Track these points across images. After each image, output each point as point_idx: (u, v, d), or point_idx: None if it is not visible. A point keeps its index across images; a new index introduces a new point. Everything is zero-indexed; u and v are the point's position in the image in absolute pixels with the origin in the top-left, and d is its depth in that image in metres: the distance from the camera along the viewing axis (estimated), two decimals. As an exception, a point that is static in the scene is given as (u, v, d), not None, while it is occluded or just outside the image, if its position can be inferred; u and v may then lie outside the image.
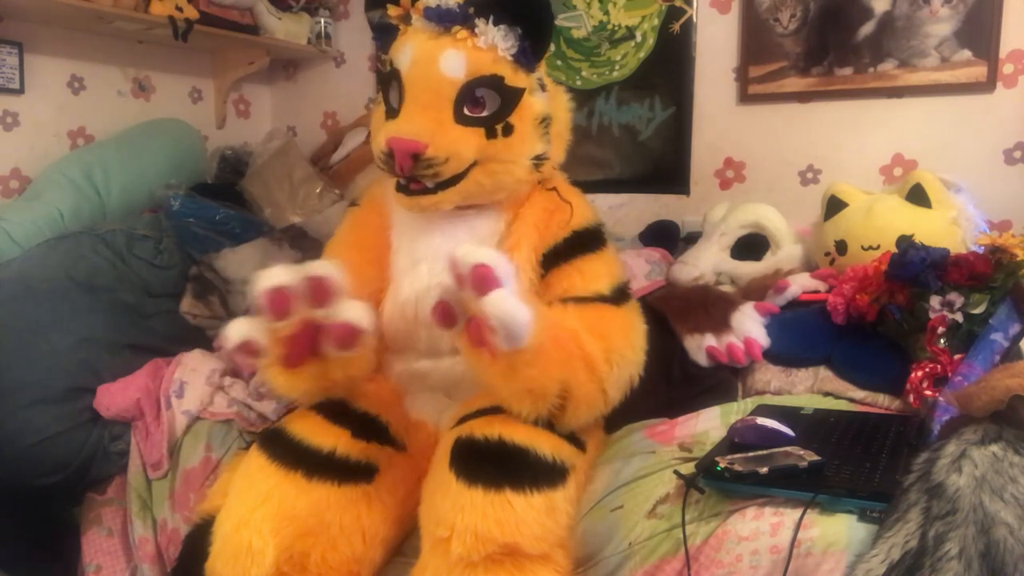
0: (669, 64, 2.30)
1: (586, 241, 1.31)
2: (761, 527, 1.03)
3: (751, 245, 1.89)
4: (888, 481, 1.03)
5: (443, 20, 1.21)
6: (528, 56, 1.24)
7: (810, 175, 2.19)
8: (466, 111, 1.22)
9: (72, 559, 1.65)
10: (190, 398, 1.63)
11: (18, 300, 1.64)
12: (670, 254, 2.07)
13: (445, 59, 1.20)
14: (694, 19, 2.27)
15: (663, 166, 2.34)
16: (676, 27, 2.28)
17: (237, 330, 1.08)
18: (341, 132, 2.61)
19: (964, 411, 1.06)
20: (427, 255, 1.29)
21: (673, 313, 1.60)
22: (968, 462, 0.94)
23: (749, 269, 1.86)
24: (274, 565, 1.10)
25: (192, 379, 1.66)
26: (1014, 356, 1.28)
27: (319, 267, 1.07)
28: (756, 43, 2.19)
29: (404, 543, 1.28)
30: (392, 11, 1.26)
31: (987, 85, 1.98)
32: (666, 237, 2.19)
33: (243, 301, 1.97)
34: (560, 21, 2.40)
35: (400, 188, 1.25)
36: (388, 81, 1.27)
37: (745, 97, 2.22)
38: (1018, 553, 0.85)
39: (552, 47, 1.34)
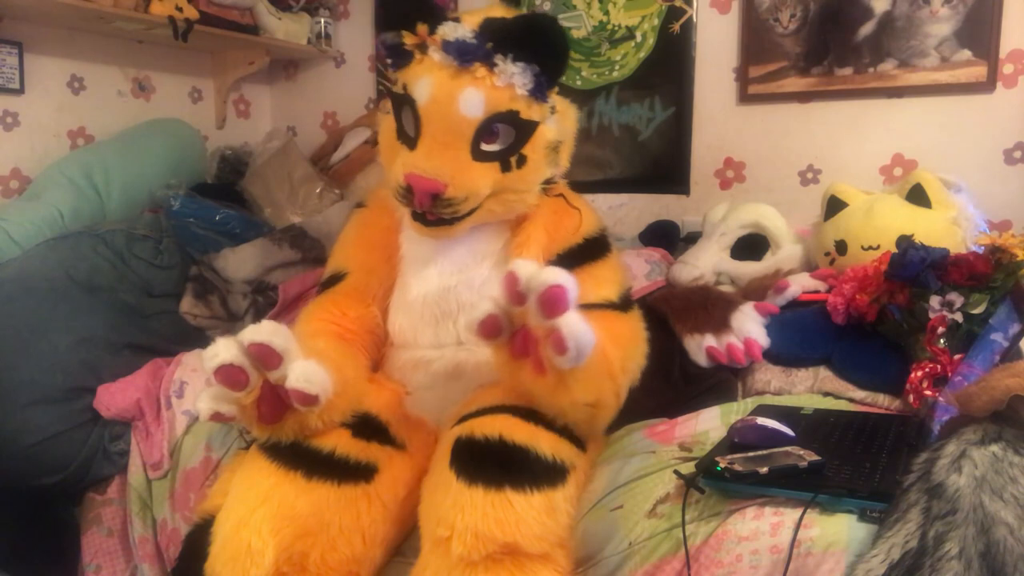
0: (669, 64, 2.30)
1: (596, 248, 1.34)
2: (761, 527, 1.03)
3: (751, 245, 1.89)
4: (888, 481, 1.03)
5: (463, 57, 1.19)
6: (543, 89, 1.24)
7: (810, 175, 2.20)
8: (482, 146, 1.22)
9: (72, 559, 1.65)
10: (190, 398, 1.63)
11: (18, 300, 1.64)
12: (670, 254, 2.07)
13: (465, 98, 1.19)
14: (694, 19, 2.27)
15: (663, 166, 2.34)
16: (676, 27, 2.28)
17: (206, 406, 1.12)
18: (341, 132, 2.61)
19: (964, 411, 1.06)
20: (436, 258, 1.32)
21: (673, 313, 1.60)
22: (968, 462, 0.94)
23: (749, 269, 1.86)
24: (273, 565, 1.10)
25: (192, 379, 1.66)
26: (1014, 356, 1.28)
27: (256, 333, 1.07)
28: (756, 43, 2.19)
29: (404, 543, 1.28)
30: (408, 39, 1.24)
31: (987, 85, 1.98)
32: (666, 237, 2.20)
33: (243, 301, 1.97)
34: (560, 21, 2.40)
35: (416, 217, 1.26)
36: (401, 105, 1.26)
37: (745, 97, 2.23)
38: (1018, 553, 0.85)
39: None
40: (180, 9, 2.14)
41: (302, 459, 1.17)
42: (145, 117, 2.37)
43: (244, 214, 2.20)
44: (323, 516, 1.15)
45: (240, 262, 1.98)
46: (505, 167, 1.24)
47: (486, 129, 1.22)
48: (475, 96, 1.20)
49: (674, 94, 2.31)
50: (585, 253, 1.32)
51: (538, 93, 1.23)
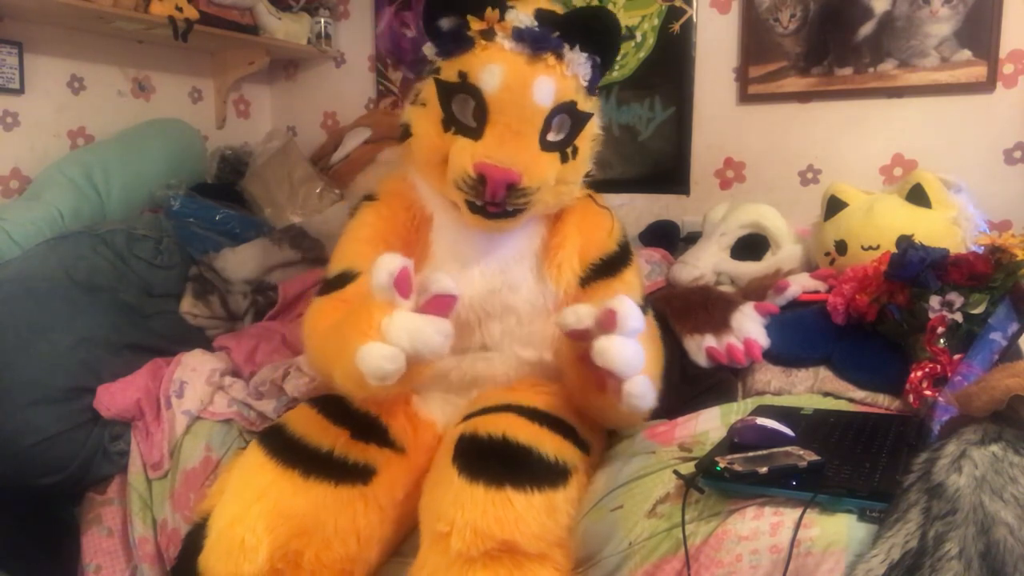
0: (669, 64, 2.30)
1: (627, 254, 1.36)
2: (761, 527, 1.03)
3: (751, 245, 1.89)
4: (888, 481, 1.03)
5: (536, 45, 1.18)
6: (596, 81, 1.25)
7: (810, 175, 2.20)
8: (549, 136, 1.22)
9: (72, 559, 1.65)
10: (190, 398, 1.63)
11: (18, 300, 1.64)
12: (670, 254, 2.07)
13: (538, 87, 1.18)
14: (694, 19, 2.27)
15: (663, 166, 2.34)
16: (676, 27, 2.28)
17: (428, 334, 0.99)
18: (341, 132, 2.61)
19: (964, 411, 1.06)
20: (479, 259, 1.29)
21: (673, 313, 1.60)
22: (968, 462, 0.94)
23: (749, 269, 1.86)
24: (268, 562, 1.10)
25: (192, 379, 1.66)
26: (1013, 356, 1.28)
27: (394, 262, 0.99)
28: (756, 43, 2.19)
29: (403, 543, 1.28)
30: (474, 24, 1.19)
31: (987, 85, 1.98)
32: (666, 237, 2.20)
33: (243, 301, 1.97)
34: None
35: (475, 209, 1.21)
36: (455, 93, 1.21)
37: (745, 97, 2.23)
38: (1018, 553, 0.85)
39: None
40: (180, 9, 2.14)
41: (300, 458, 1.17)
42: (145, 117, 2.37)
43: (244, 214, 2.20)
44: (319, 516, 1.15)
45: (240, 262, 1.98)
46: (564, 158, 1.24)
47: (552, 120, 1.22)
48: (548, 85, 1.19)
49: (674, 94, 2.31)
50: (620, 260, 1.34)
51: (593, 85, 1.25)
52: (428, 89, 1.25)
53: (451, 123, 1.22)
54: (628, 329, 1.04)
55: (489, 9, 1.19)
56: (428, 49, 1.27)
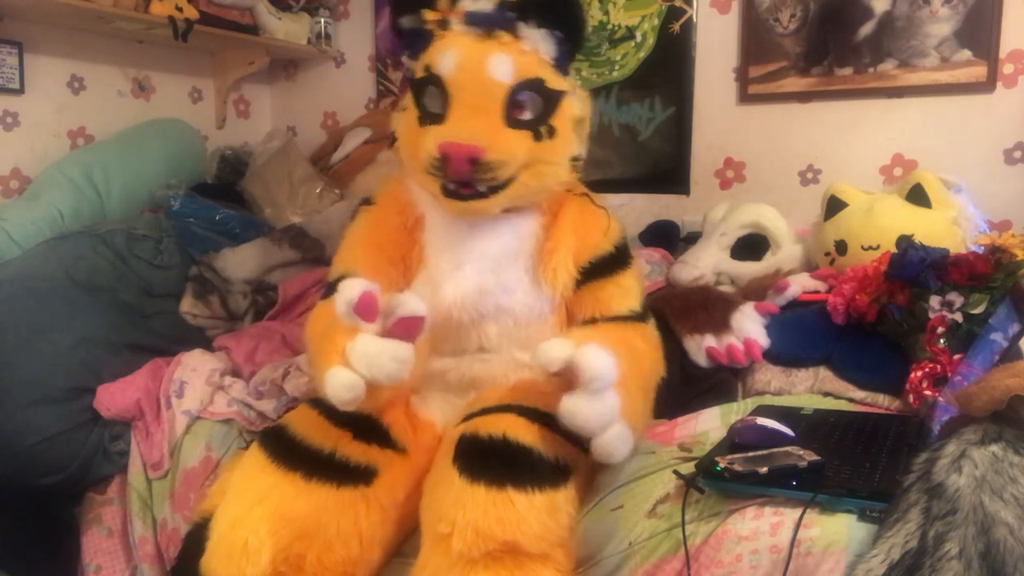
0: (669, 64, 2.30)
1: (625, 255, 1.34)
2: (761, 527, 1.03)
3: (751, 245, 1.89)
4: (888, 481, 1.03)
5: (487, 24, 1.20)
6: (565, 59, 1.25)
7: (810, 175, 2.20)
8: (515, 114, 1.22)
9: (72, 559, 1.65)
10: (190, 398, 1.63)
11: (18, 300, 1.64)
12: (670, 254, 2.07)
13: (493, 63, 1.19)
14: (694, 19, 2.27)
15: (663, 166, 2.34)
16: (676, 27, 2.28)
17: (357, 380, 1.05)
18: (341, 132, 2.61)
19: (964, 411, 1.06)
20: (471, 258, 1.28)
21: (673, 313, 1.60)
22: (968, 462, 0.94)
23: (749, 269, 1.86)
24: (270, 565, 1.10)
25: (192, 379, 1.66)
26: (1013, 356, 1.28)
27: (355, 288, 1.04)
28: (756, 43, 2.19)
29: (404, 544, 1.28)
30: (429, 15, 1.24)
31: (987, 85, 1.98)
32: (666, 237, 2.20)
33: (243, 301, 1.97)
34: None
35: (449, 193, 1.22)
36: (424, 87, 1.25)
37: (745, 97, 2.23)
38: (1018, 553, 0.85)
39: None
40: (180, 9, 2.14)
41: (302, 460, 1.17)
42: (145, 117, 2.37)
43: (244, 214, 2.20)
44: (321, 518, 1.15)
45: (240, 262, 1.98)
46: (537, 136, 1.23)
47: (515, 97, 1.21)
48: (504, 60, 1.20)
49: (674, 94, 2.31)
50: (615, 262, 1.32)
51: (562, 63, 1.25)
52: (407, 94, 1.30)
53: (425, 118, 1.25)
54: (593, 389, 1.02)
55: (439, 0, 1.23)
56: (405, 58, 1.31)
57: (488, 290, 1.27)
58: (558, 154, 1.27)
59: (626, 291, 1.31)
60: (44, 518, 1.70)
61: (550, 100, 1.24)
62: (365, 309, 1.02)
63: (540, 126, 1.23)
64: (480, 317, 1.28)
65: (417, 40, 1.26)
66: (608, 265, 1.31)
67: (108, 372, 1.66)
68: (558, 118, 1.25)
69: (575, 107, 1.28)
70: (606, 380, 1.03)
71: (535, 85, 1.22)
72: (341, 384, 1.02)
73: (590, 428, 1.04)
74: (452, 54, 1.21)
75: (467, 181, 1.19)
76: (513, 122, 1.22)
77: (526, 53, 1.21)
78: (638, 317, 1.30)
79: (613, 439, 1.06)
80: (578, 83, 1.35)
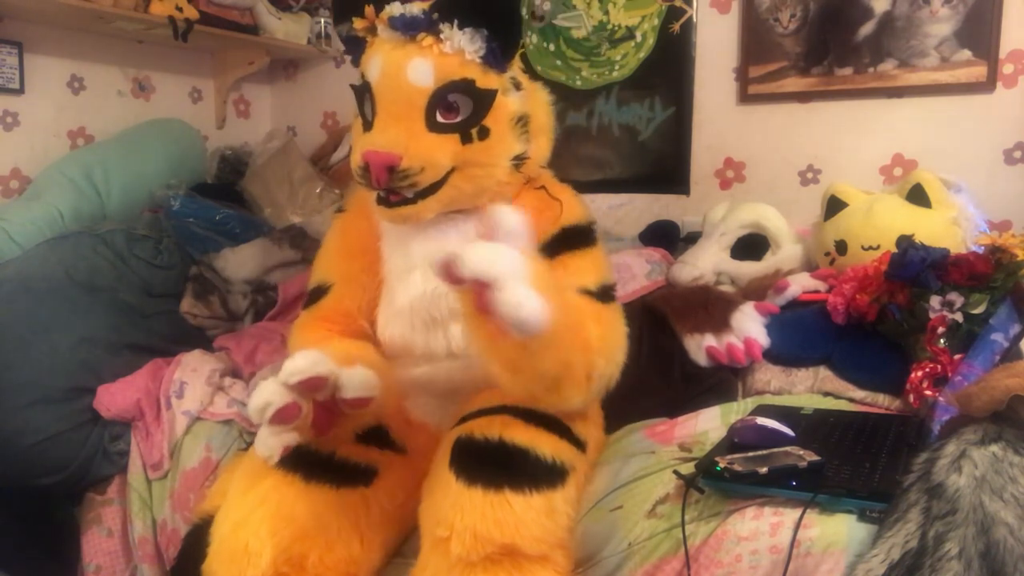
0: (669, 64, 2.30)
1: (574, 238, 1.29)
2: (761, 527, 1.03)
3: (751, 245, 1.89)
4: (888, 481, 1.03)
5: (407, 28, 1.18)
6: (497, 56, 1.21)
7: (810, 175, 2.19)
8: (439, 118, 1.20)
9: (72, 559, 1.65)
10: (190, 398, 1.63)
11: (18, 300, 1.64)
12: (670, 254, 2.07)
13: (412, 68, 1.18)
14: (694, 19, 2.26)
15: (663, 166, 2.34)
16: (676, 27, 2.28)
17: (273, 446, 1.13)
18: (341, 132, 2.61)
19: (964, 411, 1.06)
20: (419, 262, 1.27)
21: (673, 313, 1.60)
22: (968, 462, 0.94)
23: (749, 269, 1.86)
24: (271, 566, 1.10)
25: (192, 379, 1.66)
26: (1014, 356, 1.28)
27: (298, 370, 1.07)
28: (756, 43, 2.19)
29: (404, 544, 1.28)
30: (357, 23, 1.23)
31: (987, 85, 1.98)
32: (666, 237, 2.19)
33: (243, 301, 1.97)
34: (560, 21, 2.40)
35: (380, 201, 1.22)
36: (362, 94, 1.25)
37: (745, 97, 2.22)
38: (1018, 553, 0.85)
39: (525, 45, 1.31)
40: (180, 9, 2.14)
41: (301, 461, 1.17)
42: (145, 117, 2.37)
43: (244, 214, 2.20)
44: (322, 519, 1.15)
45: (240, 262, 1.98)
46: (465, 139, 1.21)
47: (441, 100, 1.19)
48: (422, 65, 1.18)
49: (674, 94, 2.31)
50: (562, 242, 1.27)
51: (492, 61, 1.21)
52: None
53: (365, 126, 1.25)
54: (501, 234, 0.95)
55: (367, 6, 1.22)
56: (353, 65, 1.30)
57: (439, 293, 1.25)
58: (492, 155, 1.24)
59: (574, 270, 1.25)
60: (44, 518, 1.70)
61: (481, 100, 1.21)
62: (285, 417, 1.09)
63: (470, 128, 1.21)
64: (433, 322, 1.28)
65: (356, 48, 1.26)
66: (552, 247, 1.26)
67: (108, 372, 1.66)
68: (492, 118, 1.22)
69: (513, 104, 1.24)
70: (517, 234, 0.95)
71: (462, 86, 1.19)
72: (259, 402, 1.08)
73: (490, 268, 0.89)
74: (376, 61, 1.21)
75: (391, 188, 1.19)
76: (437, 126, 1.20)
77: (448, 55, 1.18)
78: (589, 294, 1.22)
79: (520, 293, 0.91)
80: (525, 74, 1.31)
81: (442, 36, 1.18)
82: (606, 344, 1.16)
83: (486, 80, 1.21)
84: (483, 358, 1.07)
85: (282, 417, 1.08)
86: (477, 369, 1.27)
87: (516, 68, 1.28)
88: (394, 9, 1.20)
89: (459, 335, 1.27)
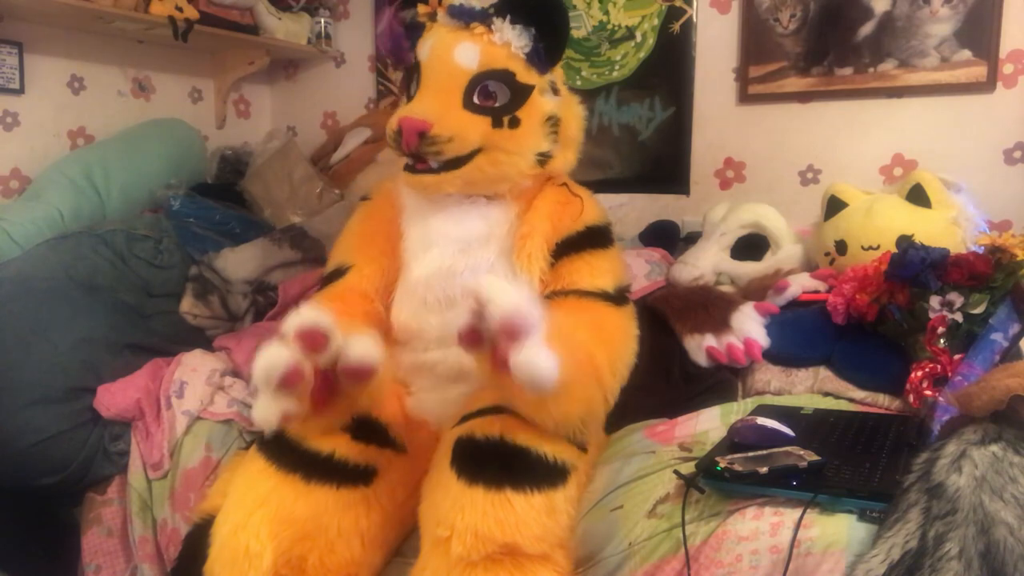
0: (669, 64, 2.30)
1: (597, 237, 1.35)
2: (761, 527, 1.03)
3: (751, 245, 1.89)
4: (888, 481, 1.03)
5: (463, 17, 1.28)
6: (541, 57, 1.29)
7: (810, 175, 2.19)
8: (476, 100, 1.27)
9: (72, 559, 1.65)
10: (190, 398, 1.63)
11: (18, 300, 1.64)
12: (670, 254, 2.07)
13: (460, 50, 1.27)
14: (694, 19, 2.27)
15: (663, 166, 2.34)
16: (676, 27, 2.28)
17: (272, 412, 1.08)
18: (341, 132, 2.61)
19: (964, 411, 1.06)
20: (438, 240, 1.32)
21: (673, 313, 1.60)
22: (968, 462, 0.94)
23: (749, 269, 1.86)
24: (272, 568, 1.10)
25: (192, 379, 1.66)
26: (1014, 356, 1.28)
27: (302, 318, 1.05)
28: (756, 43, 2.19)
29: (404, 544, 1.28)
30: (420, 9, 1.34)
31: (987, 85, 1.98)
32: (666, 237, 2.19)
33: (243, 301, 1.97)
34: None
35: (407, 168, 1.29)
36: (411, 74, 1.33)
37: (745, 97, 2.22)
38: (1018, 553, 0.85)
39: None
40: (180, 9, 2.14)
41: (301, 462, 1.17)
42: (145, 117, 2.37)
43: (244, 214, 2.20)
44: (322, 519, 1.15)
45: (240, 262, 1.98)
46: (497, 123, 1.27)
47: (480, 85, 1.26)
48: (470, 48, 1.26)
49: (674, 94, 2.31)
50: (585, 241, 1.33)
51: (535, 59, 1.29)
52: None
53: (408, 100, 1.32)
54: (486, 301, 0.95)
55: None
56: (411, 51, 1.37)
57: (456, 271, 1.30)
58: (518, 144, 1.30)
59: (595, 271, 1.30)
60: (44, 518, 1.70)
61: (518, 93, 1.28)
62: (288, 380, 1.04)
63: (503, 115, 1.27)
64: (450, 300, 1.30)
65: (415, 33, 1.34)
66: (577, 243, 1.32)
67: (108, 372, 1.66)
68: (525, 111, 1.29)
69: (547, 104, 1.32)
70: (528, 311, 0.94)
71: (502, 76, 1.27)
72: (263, 362, 1.04)
73: (503, 307, 0.92)
74: (429, 43, 1.30)
75: (418, 154, 1.25)
76: (472, 106, 1.27)
77: (496, 45, 1.27)
78: (607, 297, 1.28)
79: (534, 358, 0.94)
80: (567, 86, 1.39)
81: (493, 27, 1.27)
82: (614, 364, 1.19)
83: (527, 76, 1.29)
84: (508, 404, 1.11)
85: (285, 380, 1.05)
86: None
87: (558, 75, 1.37)
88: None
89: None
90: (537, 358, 0.95)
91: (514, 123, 1.28)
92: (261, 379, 1.05)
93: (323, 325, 1.06)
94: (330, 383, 1.12)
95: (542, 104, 1.31)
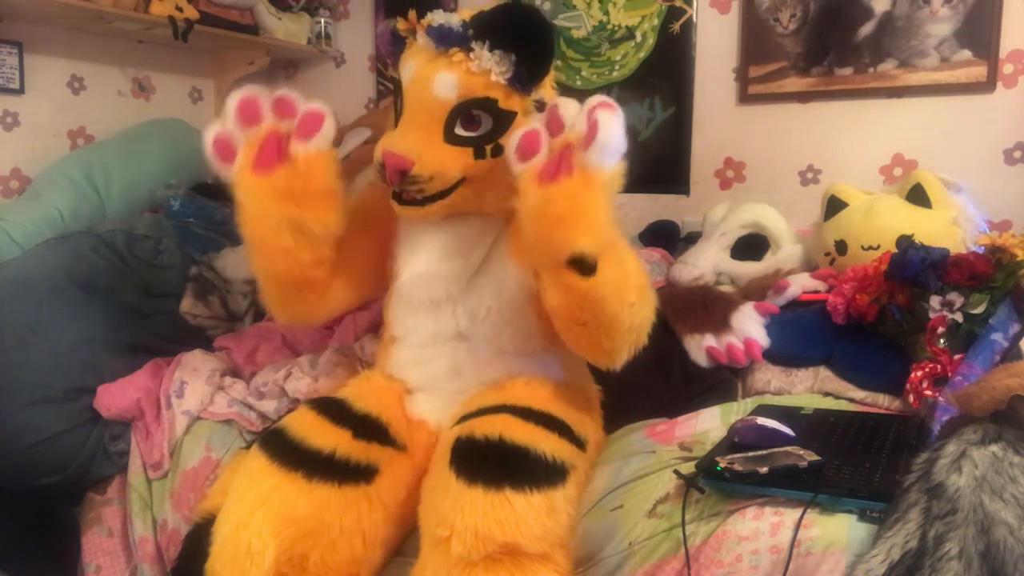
0: (669, 64, 2.30)
1: None
2: (761, 527, 1.03)
3: (751, 245, 1.89)
4: (888, 481, 1.03)
5: (441, 41, 1.22)
6: (523, 80, 1.24)
7: (810, 175, 2.20)
8: (458, 131, 1.23)
9: (72, 559, 1.65)
10: (190, 398, 1.62)
11: (18, 300, 1.64)
12: (670, 254, 2.07)
13: (438, 81, 1.22)
14: (694, 19, 2.27)
15: (663, 166, 2.34)
16: (676, 27, 2.28)
17: (213, 127, 1.18)
18: (341, 132, 2.60)
19: (964, 411, 1.06)
20: (424, 244, 1.33)
21: (673, 313, 1.60)
22: (968, 462, 0.94)
23: (749, 269, 1.86)
24: (273, 566, 1.10)
25: (192, 379, 1.66)
26: (1014, 356, 1.28)
27: (286, 93, 1.18)
28: (756, 43, 2.19)
29: (404, 543, 1.28)
30: (400, 24, 1.29)
31: (987, 85, 1.98)
32: (666, 237, 2.20)
33: (243, 301, 1.97)
34: (560, 21, 2.40)
35: (394, 196, 1.29)
36: (396, 90, 1.31)
37: (745, 97, 2.23)
38: (1018, 553, 0.85)
39: (555, 65, 1.37)
40: (180, 9, 2.14)
41: (303, 460, 1.17)
42: (145, 117, 2.37)
43: (244, 214, 2.20)
44: (323, 517, 1.15)
45: (240, 262, 1.98)
46: (479, 154, 1.24)
47: (463, 114, 1.23)
48: (448, 79, 1.22)
49: (674, 94, 2.31)
50: None
51: (517, 84, 1.23)
52: None
53: (395, 118, 1.31)
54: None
55: (411, 10, 1.27)
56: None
57: (440, 276, 1.30)
58: (502, 173, 1.23)
59: None
60: (44, 518, 1.70)
61: (500, 120, 1.24)
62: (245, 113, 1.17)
63: (486, 144, 1.24)
64: (433, 303, 1.31)
65: (396, 45, 1.31)
66: None
67: (108, 372, 1.66)
68: (508, 138, 1.23)
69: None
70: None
71: (485, 104, 1.23)
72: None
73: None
74: (409, 66, 1.26)
75: (401, 189, 1.25)
76: (454, 138, 1.23)
77: (475, 73, 1.21)
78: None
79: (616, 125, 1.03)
80: (561, 87, 1.36)
81: (472, 55, 1.21)
82: (646, 291, 1.22)
83: (508, 102, 1.24)
84: (553, 309, 1.15)
85: (243, 113, 1.16)
86: (482, 351, 1.30)
87: (547, 86, 1.32)
88: (435, 18, 1.24)
89: (464, 318, 1.30)
90: (615, 132, 1.02)
91: (496, 152, 1.24)
92: (229, 110, 1.16)
93: (298, 100, 1.18)
94: (280, 150, 1.18)
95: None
